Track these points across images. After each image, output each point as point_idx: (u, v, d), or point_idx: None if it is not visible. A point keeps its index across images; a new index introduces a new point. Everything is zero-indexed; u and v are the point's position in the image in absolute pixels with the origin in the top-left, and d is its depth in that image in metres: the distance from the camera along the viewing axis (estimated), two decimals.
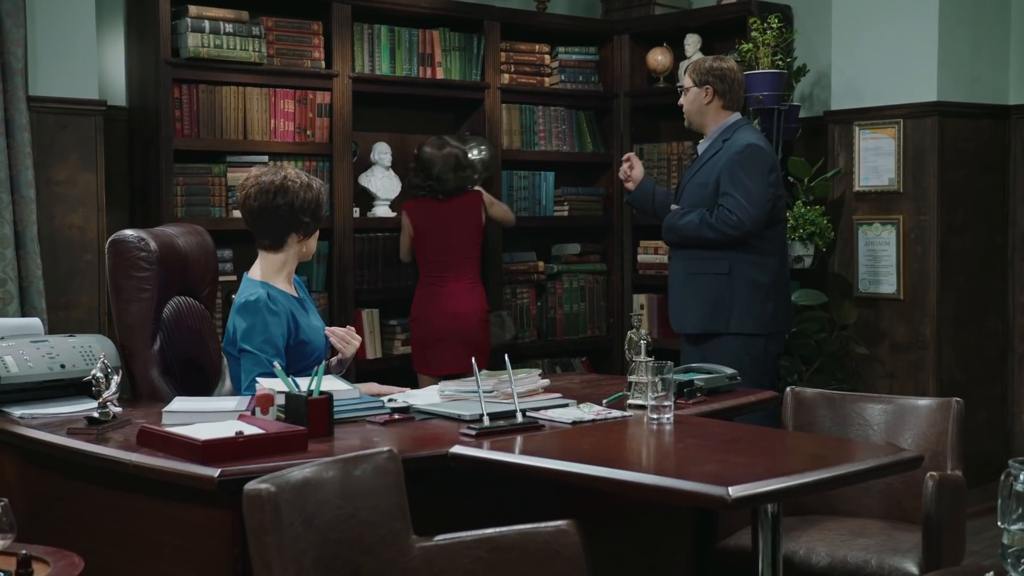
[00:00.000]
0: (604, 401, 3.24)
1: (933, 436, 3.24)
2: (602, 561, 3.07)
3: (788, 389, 3.44)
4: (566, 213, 5.93)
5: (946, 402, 3.25)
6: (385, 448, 2.57)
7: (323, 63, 5.07)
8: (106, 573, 2.77)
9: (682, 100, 4.41)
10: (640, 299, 6.00)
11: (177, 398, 3.18)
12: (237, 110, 4.85)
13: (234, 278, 4.89)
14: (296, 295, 3.47)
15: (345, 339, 3.50)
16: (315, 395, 2.83)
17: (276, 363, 2.99)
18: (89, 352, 3.30)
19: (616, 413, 3.10)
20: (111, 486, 2.73)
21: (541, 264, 5.87)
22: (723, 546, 3.16)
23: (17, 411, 3.13)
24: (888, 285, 5.12)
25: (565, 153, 5.92)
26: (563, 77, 5.88)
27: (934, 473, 2.87)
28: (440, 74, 5.43)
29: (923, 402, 3.31)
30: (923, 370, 5.01)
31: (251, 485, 2.26)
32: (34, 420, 3.05)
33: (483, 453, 2.68)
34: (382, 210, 5.37)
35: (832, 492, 3.35)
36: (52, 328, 4.32)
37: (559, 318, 5.93)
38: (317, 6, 5.05)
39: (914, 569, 2.89)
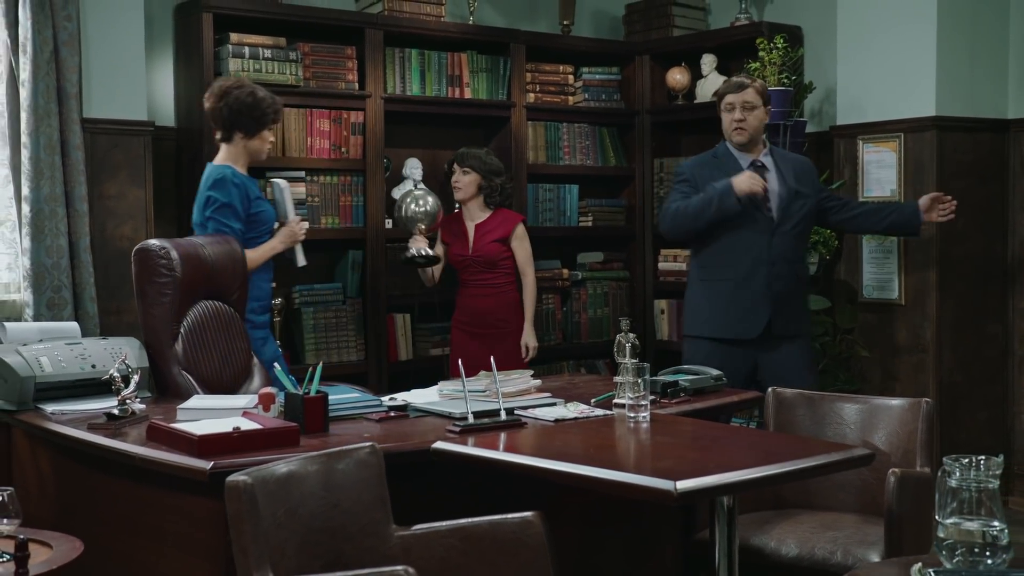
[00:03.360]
0: (592, 400, 3.25)
1: (904, 434, 3.21)
2: (590, 551, 3.08)
3: (770, 389, 3.42)
4: (590, 223, 5.94)
5: (916, 402, 3.21)
6: (367, 443, 2.61)
7: (357, 85, 5.13)
8: (119, 557, 2.84)
9: (744, 116, 4.30)
10: (660, 304, 5.99)
11: (195, 396, 3.25)
12: (276, 129, 4.91)
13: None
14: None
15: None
16: (312, 394, 2.87)
17: (276, 365, 3.03)
18: (118, 353, 3.38)
19: (599, 412, 3.11)
20: (123, 477, 2.80)
21: (566, 271, 5.88)
22: (699, 538, 3.15)
23: (50, 407, 3.22)
24: (891, 291, 5.05)
25: (589, 167, 5.93)
26: (586, 95, 5.89)
27: (896, 470, 2.84)
28: (468, 94, 5.47)
29: (895, 402, 3.28)
30: (924, 372, 4.93)
31: (232, 477, 2.30)
32: (63, 416, 3.13)
33: (461, 448, 2.70)
34: None
35: (811, 488, 3.33)
36: (104, 331, 4.43)
37: (583, 322, 5.94)
38: (351, 32, 5.12)
39: (876, 559, 2.86)
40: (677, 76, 5.89)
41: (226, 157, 4.04)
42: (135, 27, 4.62)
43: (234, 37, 4.78)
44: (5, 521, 2.43)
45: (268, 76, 4.84)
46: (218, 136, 4.05)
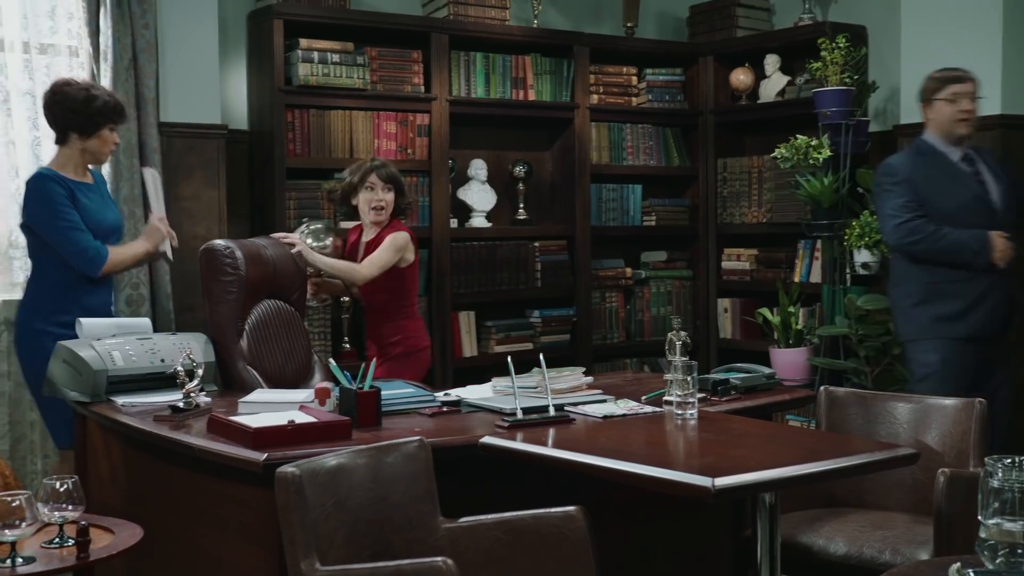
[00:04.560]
0: (642, 397, 3.23)
1: (957, 434, 3.14)
2: (638, 547, 3.07)
3: (822, 388, 3.37)
4: (654, 223, 5.90)
5: (970, 402, 3.14)
6: (415, 438, 2.63)
7: (423, 88, 5.16)
8: (180, 543, 2.90)
9: (973, 107, 4.13)
10: (724, 303, 5.94)
11: (257, 390, 3.30)
12: (344, 131, 4.98)
13: (340, 283, 5.02)
14: (86, 182, 3.81)
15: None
16: (365, 389, 2.90)
17: (331, 360, 3.07)
18: (186, 349, 3.44)
19: (648, 409, 3.09)
20: (184, 467, 2.86)
21: (629, 270, 5.86)
22: (747, 535, 3.11)
23: (121, 400, 3.30)
24: None
25: (652, 167, 5.90)
26: (650, 97, 5.85)
27: (945, 470, 2.78)
28: (532, 96, 5.47)
29: (948, 402, 3.21)
30: None
31: (281, 469, 2.34)
32: (132, 408, 3.21)
33: (508, 443, 2.71)
34: (478, 221, 5.44)
35: (863, 487, 3.28)
36: (180, 327, 4.52)
37: (647, 320, 5.91)
38: (417, 36, 5.15)
39: (925, 557, 2.80)
40: (741, 76, 5.82)
41: (56, 160, 3.81)
42: (209, 34, 4.72)
43: (304, 43, 4.84)
44: (70, 508, 2.50)
45: (336, 80, 4.91)
46: (55, 138, 3.82)
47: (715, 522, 3.22)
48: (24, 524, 2.41)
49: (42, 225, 3.72)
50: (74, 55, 4.51)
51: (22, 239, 4.38)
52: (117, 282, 4.43)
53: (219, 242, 3.68)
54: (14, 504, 2.39)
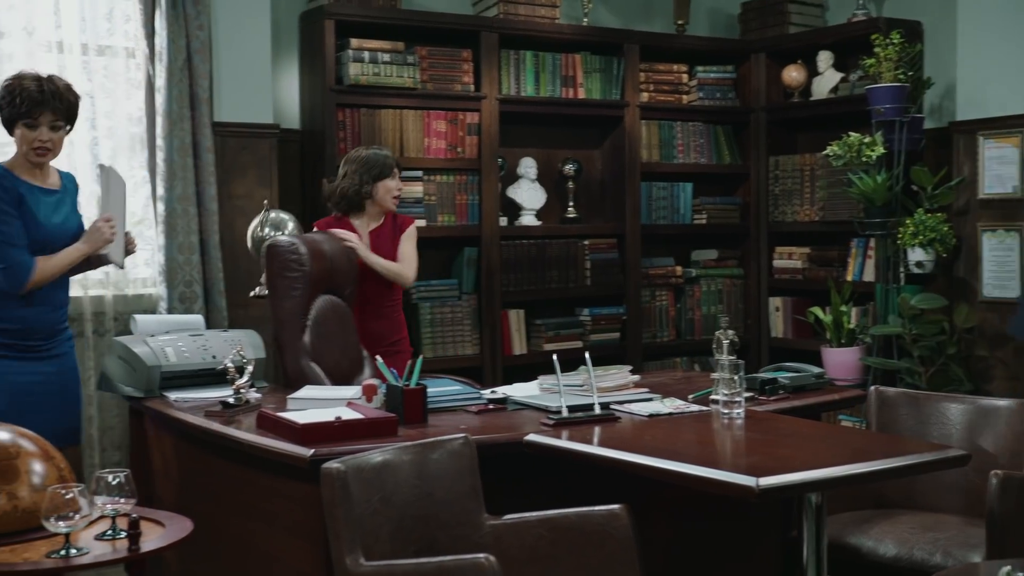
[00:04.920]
0: (690, 396, 3.21)
1: (1012, 436, 3.09)
2: (684, 546, 3.05)
3: (872, 388, 3.33)
4: (704, 221, 5.86)
5: (1023, 404, 3.07)
6: (460, 435, 2.63)
7: (472, 86, 5.18)
8: (230, 536, 2.94)
9: None
10: (775, 302, 5.88)
11: (306, 387, 3.33)
12: (394, 130, 5.01)
13: None
14: (44, 186, 3.44)
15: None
16: (412, 386, 2.92)
17: (378, 358, 3.09)
18: (237, 345, 3.49)
19: (695, 408, 3.07)
20: (234, 462, 2.90)
21: (679, 269, 5.82)
22: (794, 536, 3.08)
23: (174, 395, 3.34)
24: (1012, 290, 4.84)
25: (703, 165, 5.86)
26: (701, 94, 5.81)
27: (998, 472, 2.73)
28: (582, 94, 5.46)
29: (1003, 403, 3.15)
30: None
31: (327, 465, 2.36)
32: (184, 404, 3.25)
33: (552, 440, 2.70)
34: (528, 219, 5.44)
35: (914, 488, 3.23)
36: (232, 324, 4.57)
37: (697, 319, 5.87)
38: (467, 35, 5.16)
39: (977, 561, 2.75)
40: (793, 73, 5.76)
41: (12, 158, 3.48)
42: (262, 35, 4.76)
43: (354, 42, 4.88)
44: (122, 500, 2.54)
45: (387, 79, 4.93)
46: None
47: (763, 522, 3.19)
48: (78, 516, 2.45)
49: None
50: (131, 56, 4.59)
51: None
52: (170, 279, 4.50)
53: (283, 239, 3.72)
54: (68, 497, 2.43)
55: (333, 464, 2.34)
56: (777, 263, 5.88)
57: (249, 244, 4.32)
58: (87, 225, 3.57)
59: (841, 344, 5.15)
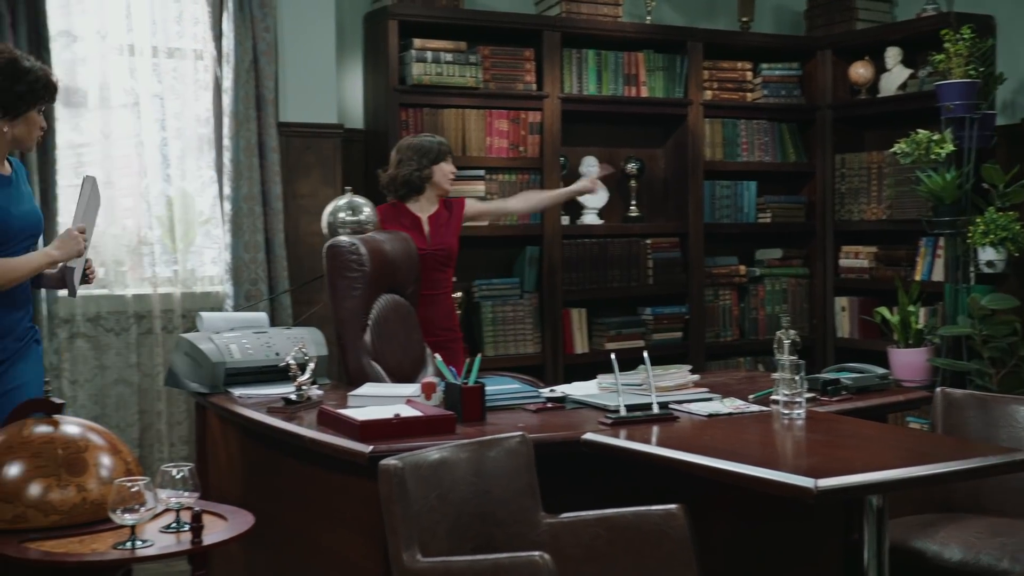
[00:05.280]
0: (750, 396, 3.18)
1: None
2: (744, 547, 3.02)
3: (938, 390, 3.27)
4: (768, 220, 5.80)
5: None
6: (517, 433, 2.64)
7: (535, 85, 5.18)
8: (290, 530, 2.97)
9: None
10: (841, 301, 5.80)
11: (366, 384, 3.36)
12: (456, 130, 5.03)
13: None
14: (7, 174, 3.10)
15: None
16: (470, 384, 2.93)
17: (437, 356, 3.10)
18: (299, 342, 3.53)
19: (755, 408, 3.04)
20: (295, 457, 2.93)
21: (743, 268, 5.77)
22: (856, 539, 3.03)
23: (238, 391, 3.39)
24: None
25: (767, 163, 5.80)
26: (765, 92, 5.75)
27: None
28: (644, 92, 5.44)
29: None
30: None
31: (384, 462, 2.38)
32: (248, 400, 3.30)
33: (609, 439, 2.70)
34: (590, 218, 5.43)
35: (982, 491, 3.16)
36: (297, 321, 4.63)
37: (761, 318, 5.81)
38: (529, 34, 5.17)
39: None
40: (860, 70, 5.67)
41: None
42: (327, 36, 4.82)
43: (417, 43, 4.91)
44: (185, 494, 2.58)
45: (449, 79, 4.96)
46: None
47: (824, 525, 3.15)
48: (143, 509, 2.50)
49: None
50: (199, 58, 4.67)
51: (154, 235, 4.57)
52: (236, 277, 4.56)
53: (344, 239, 3.76)
54: (134, 489, 2.48)
55: (390, 461, 2.36)
56: (843, 262, 5.80)
57: (324, 227, 4.24)
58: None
59: (908, 345, 5.06)
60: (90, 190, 3.18)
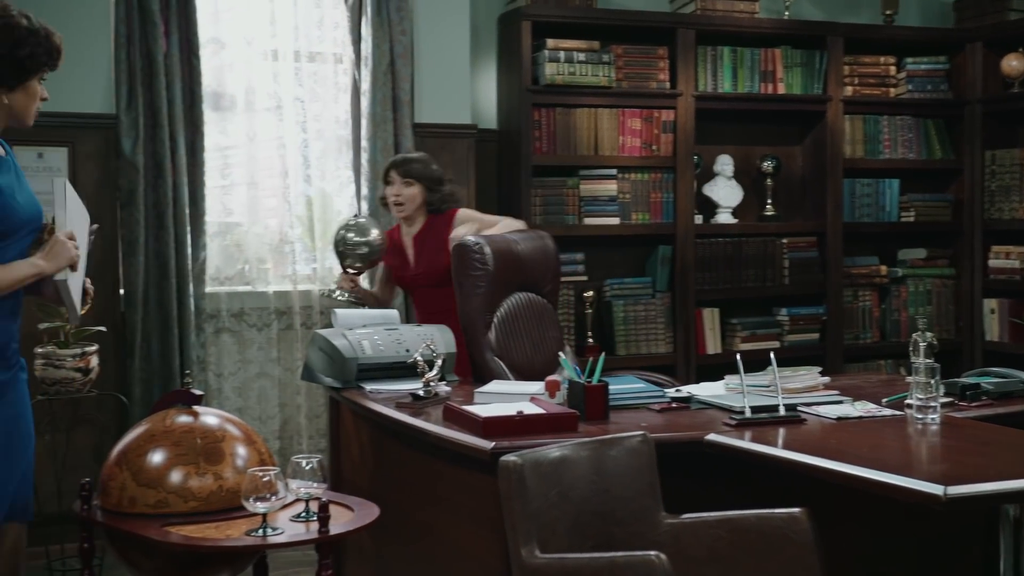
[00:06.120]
0: (883, 400, 3.09)
1: None
2: (873, 553, 2.94)
3: None
4: (912, 219, 5.62)
5: None
6: (638, 432, 2.63)
7: (668, 84, 5.14)
8: (415, 523, 3.04)
9: None
10: (991, 303, 5.58)
11: (493, 381, 3.40)
12: (589, 129, 5.03)
13: (585, 278, 5.09)
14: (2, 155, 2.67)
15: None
16: (594, 382, 2.93)
17: (561, 355, 3.11)
18: (430, 339, 3.59)
19: (887, 412, 2.95)
20: (421, 452, 2.99)
21: (884, 268, 5.60)
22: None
23: (369, 386, 3.47)
24: None
25: (911, 160, 5.61)
26: (910, 87, 5.57)
27: None
28: (781, 89, 5.33)
29: None
30: None
31: (504, 458, 2.40)
32: (378, 395, 3.37)
33: (732, 441, 2.66)
34: (724, 217, 5.36)
35: None
36: None
37: (903, 320, 5.63)
38: (663, 32, 5.13)
39: None
40: (1013, 63, 5.44)
41: None
42: (461, 38, 4.88)
43: (551, 43, 4.93)
44: (314, 485, 2.67)
45: (582, 79, 4.96)
46: None
47: (960, 534, 3.04)
48: (275, 498, 2.59)
49: None
50: (338, 62, 4.80)
51: (295, 233, 4.72)
52: (372, 275, 4.66)
53: (470, 239, 3.82)
54: (265, 479, 2.58)
55: (510, 457, 2.39)
56: (993, 263, 5.57)
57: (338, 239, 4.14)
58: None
59: None
60: (63, 193, 2.69)
